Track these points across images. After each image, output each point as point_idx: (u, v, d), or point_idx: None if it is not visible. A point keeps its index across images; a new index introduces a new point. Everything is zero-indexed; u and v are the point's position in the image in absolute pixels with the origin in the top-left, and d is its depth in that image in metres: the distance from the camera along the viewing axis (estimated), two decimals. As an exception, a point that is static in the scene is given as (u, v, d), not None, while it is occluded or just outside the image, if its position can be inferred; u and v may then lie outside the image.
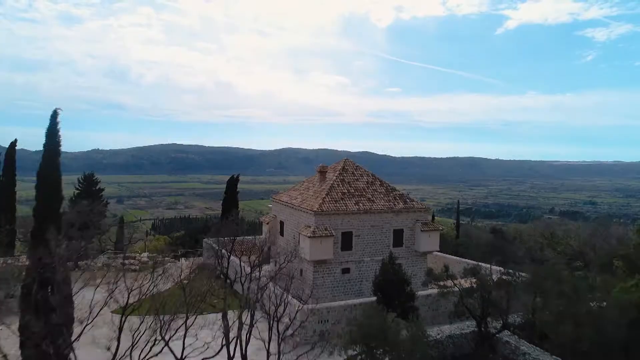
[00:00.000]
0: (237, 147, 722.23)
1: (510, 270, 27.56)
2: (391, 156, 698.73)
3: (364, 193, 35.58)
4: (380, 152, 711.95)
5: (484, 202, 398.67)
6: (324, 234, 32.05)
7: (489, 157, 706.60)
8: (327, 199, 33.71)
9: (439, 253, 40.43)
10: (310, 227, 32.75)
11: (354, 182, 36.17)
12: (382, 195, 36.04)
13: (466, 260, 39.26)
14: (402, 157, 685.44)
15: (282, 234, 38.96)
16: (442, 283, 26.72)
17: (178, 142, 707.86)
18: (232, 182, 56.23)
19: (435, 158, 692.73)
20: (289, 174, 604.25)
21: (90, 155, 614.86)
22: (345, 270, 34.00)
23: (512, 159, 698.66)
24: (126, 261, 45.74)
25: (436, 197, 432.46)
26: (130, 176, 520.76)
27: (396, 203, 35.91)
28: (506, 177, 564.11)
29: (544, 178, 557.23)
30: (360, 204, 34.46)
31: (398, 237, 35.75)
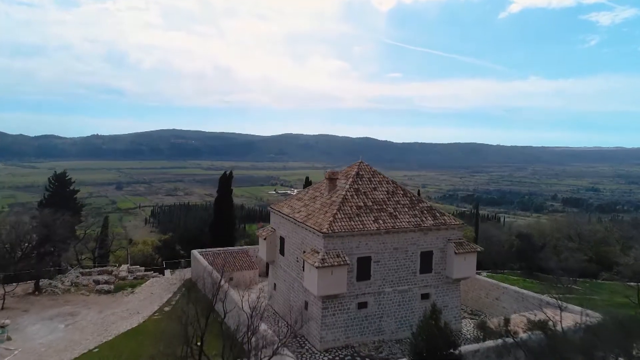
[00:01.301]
0: (237, 133, 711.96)
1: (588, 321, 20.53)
2: (392, 142, 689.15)
3: (384, 206, 28.28)
4: (381, 138, 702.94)
5: (485, 189, 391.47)
6: (335, 263, 24.87)
7: (490, 143, 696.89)
8: (339, 216, 26.44)
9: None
10: (318, 252, 25.55)
11: (371, 191, 28.83)
12: (406, 209, 28.74)
13: (505, 285, 32.15)
14: (403, 143, 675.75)
15: (282, 252, 31.80)
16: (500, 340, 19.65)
17: (177, 128, 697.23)
18: (225, 180, 48.81)
19: (436, 144, 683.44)
20: (289, 159, 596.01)
21: (89, 140, 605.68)
22: (362, 305, 26.92)
23: (513, 145, 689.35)
24: (100, 278, 38.66)
25: (437, 183, 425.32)
26: (130, 162, 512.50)
27: (424, 219, 28.63)
28: (507, 163, 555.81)
29: (545, 164, 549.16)
30: (381, 221, 27.21)
31: (426, 262, 28.58)
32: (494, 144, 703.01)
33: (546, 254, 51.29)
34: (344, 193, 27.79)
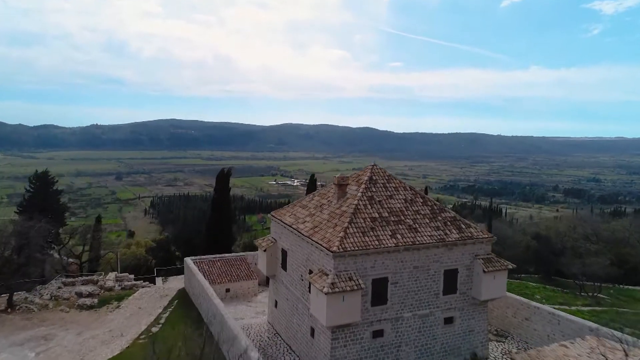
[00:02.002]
0: (237, 123, 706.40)
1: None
2: (393, 132, 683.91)
3: (403, 217, 24.28)
4: (381, 128, 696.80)
5: (486, 179, 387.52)
6: (348, 287, 20.95)
7: (490, 133, 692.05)
8: (351, 230, 22.46)
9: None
10: (326, 274, 21.62)
11: (387, 200, 24.79)
12: (427, 220, 24.74)
13: (537, 305, 28.25)
14: (404, 133, 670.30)
15: (284, 267, 27.90)
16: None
17: (177, 118, 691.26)
18: (223, 178, 44.70)
19: (437, 134, 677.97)
20: (289, 150, 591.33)
21: (89, 130, 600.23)
22: (377, 333, 23.08)
23: (514, 135, 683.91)
24: (84, 290, 34.81)
25: (438, 173, 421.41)
26: (130, 152, 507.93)
27: (448, 231, 24.66)
28: (508, 153, 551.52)
29: (546, 154, 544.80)
30: (399, 236, 23.24)
31: (450, 281, 24.68)
32: (495, 134, 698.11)
33: (568, 258, 47.45)
34: (355, 202, 23.75)
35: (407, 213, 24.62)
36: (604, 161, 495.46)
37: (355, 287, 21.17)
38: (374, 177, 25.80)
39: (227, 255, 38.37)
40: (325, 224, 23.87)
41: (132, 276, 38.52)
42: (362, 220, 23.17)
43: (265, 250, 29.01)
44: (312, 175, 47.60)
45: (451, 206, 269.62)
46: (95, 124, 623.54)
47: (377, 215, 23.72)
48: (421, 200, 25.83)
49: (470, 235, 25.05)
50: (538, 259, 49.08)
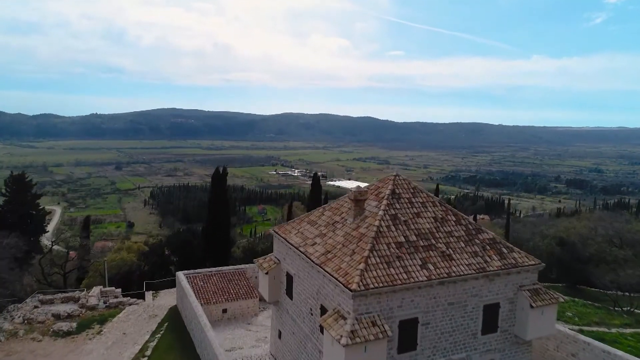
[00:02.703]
0: (237, 112, 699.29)
1: None
2: (393, 121, 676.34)
3: (433, 241, 19.86)
4: (382, 118, 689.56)
5: (488, 170, 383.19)
6: (372, 336, 16.65)
7: (492, 123, 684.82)
8: (374, 260, 18.07)
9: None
10: (344, 317, 17.30)
11: (413, 219, 20.33)
12: (462, 244, 20.33)
13: (587, 339, 23.96)
14: (405, 123, 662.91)
15: (289, 294, 23.58)
16: None
17: (177, 107, 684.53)
18: (219, 179, 40.19)
19: (437, 123, 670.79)
20: (289, 139, 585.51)
21: (89, 119, 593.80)
22: (405, 386, 18.85)
23: (515, 125, 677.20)
24: (62, 310, 30.51)
25: (439, 164, 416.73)
26: (130, 141, 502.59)
27: (488, 257, 20.27)
28: (509, 143, 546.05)
29: (547, 144, 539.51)
30: (431, 266, 18.87)
31: (490, 318, 20.37)
32: (496, 123, 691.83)
33: (597, 266, 43.21)
34: (377, 222, 19.29)
35: (438, 235, 20.15)
36: (606, 151, 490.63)
37: (381, 335, 16.84)
38: (397, 190, 21.14)
39: (224, 268, 34.08)
40: (340, 250, 19.48)
41: (119, 290, 34.18)
42: (385, 247, 18.75)
43: (267, 273, 24.67)
44: (316, 174, 42.96)
45: (454, 197, 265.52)
46: (94, 113, 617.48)
47: (403, 239, 19.27)
48: (454, 219, 21.29)
49: (514, 262, 20.65)
50: (563, 266, 44.83)
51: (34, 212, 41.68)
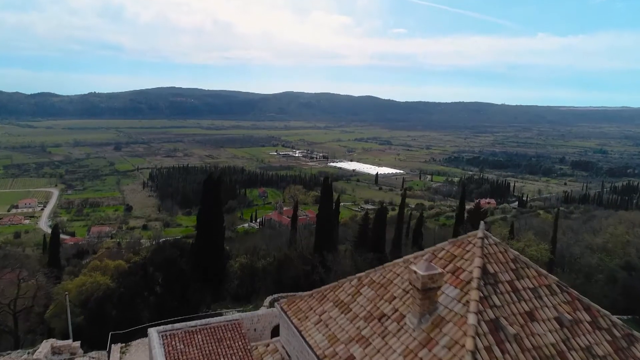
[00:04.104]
0: (237, 91, 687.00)
1: None
2: (395, 101, 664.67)
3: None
4: (384, 97, 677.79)
5: (491, 150, 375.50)
6: None
7: (494, 102, 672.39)
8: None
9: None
10: None
11: (526, 326, 10.71)
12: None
13: None
14: (407, 102, 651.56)
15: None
16: None
17: (177, 86, 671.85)
18: (211, 186, 33.04)
19: (440, 103, 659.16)
20: (290, 119, 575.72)
21: (87, 98, 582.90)
22: None
23: (518, 104, 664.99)
24: None
25: (442, 144, 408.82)
26: (129, 121, 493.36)
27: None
28: (512, 123, 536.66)
29: (551, 124, 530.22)
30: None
31: None
32: (499, 103, 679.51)
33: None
34: (470, 345, 9.69)
35: (569, 355, 10.63)
36: (610, 131, 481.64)
37: None
38: (491, 268, 11.60)
39: (212, 321, 25.09)
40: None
41: (77, 344, 25.41)
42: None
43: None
44: (327, 179, 35.77)
45: (458, 179, 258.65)
46: (93, 92, 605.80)
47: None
48: (588, 318, 11.65)
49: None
50: (628, 294, 34.70)
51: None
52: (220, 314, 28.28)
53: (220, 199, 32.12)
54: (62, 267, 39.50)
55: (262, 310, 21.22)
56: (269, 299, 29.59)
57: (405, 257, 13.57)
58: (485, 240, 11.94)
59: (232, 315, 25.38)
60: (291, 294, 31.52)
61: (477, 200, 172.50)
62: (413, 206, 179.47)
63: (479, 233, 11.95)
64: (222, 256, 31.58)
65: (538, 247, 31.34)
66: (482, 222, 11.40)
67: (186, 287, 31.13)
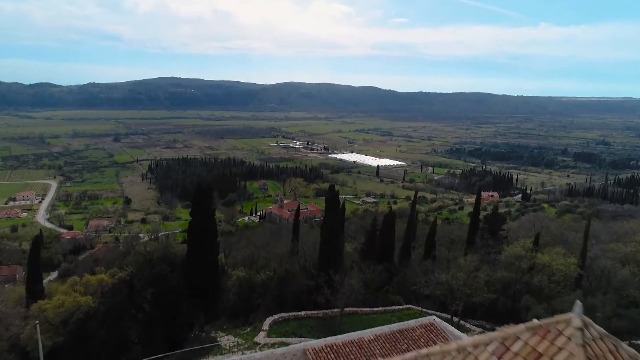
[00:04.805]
0: (237, 81, 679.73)
1: None
2: (396, 91, 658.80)
3: None
4: (384, 87, 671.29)
5: (493, 142, 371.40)
6: None
7: (496, 93, 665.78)
8: None
9: None
10: None
11: None
12: None
13: None
14: (407, 93, 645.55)
15: None
16: None
17: (176, 76, 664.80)
18: (202, 197, 29.30)
19: (441, 93, 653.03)
20: (290, 109, 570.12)
21: (86, 89, 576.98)
22: None
23: (519, 95, 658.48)
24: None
25: (443, 135, 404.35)
26: (128, 111, 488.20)
27: None
28: (514, 114, 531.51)
29: (552, 115, 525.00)
30: None
31: None
32: (500, 93, 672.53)
33: None
34: None
35: None
36: (612, 122, 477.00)
37: None
38: None
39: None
40: None
41: None
42: None
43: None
44: (332, 187, 32.21)
45: (460, 172, 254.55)
46: (92, 82, 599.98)
47: None
48: None
49: None
50: None
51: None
52: (215, 340, 25.04)
53: (212, 210, 28.43)
54: (42, 285, 35.90)
55: (267, 354, 17.80)
56: (269, 320, 26.40)
57: (459, 344, 9.04)
58: (586, 333, 7.31)
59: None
60: (294, 313, 28.33)
61: (489, 200, 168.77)
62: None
63: (575, 320, 7.21)
64: (217, 273, 28.22)
65: (566, 261, 28.06)
66: (577, 302, 7.19)
67: (178, 304, 27.93)
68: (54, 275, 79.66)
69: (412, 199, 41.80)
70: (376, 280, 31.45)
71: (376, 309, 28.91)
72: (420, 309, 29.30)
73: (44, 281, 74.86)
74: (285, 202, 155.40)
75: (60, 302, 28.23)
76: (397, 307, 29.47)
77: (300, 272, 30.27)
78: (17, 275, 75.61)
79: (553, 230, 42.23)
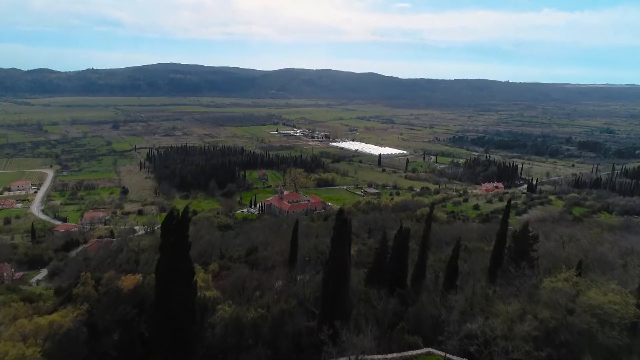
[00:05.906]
0: (238, 67, 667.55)
1: None
2: (398, 78, 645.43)
3: None
4: (386, 74, 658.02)
5: (495, 130, 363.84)
6: None
7: (498, 80, 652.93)
8: None
9: None
10: None
11: None
12: None
13: None
14: (409, 79, 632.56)
15: None
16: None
17: (176, 62, 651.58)
18: (174, 228, 22.30)
19: (443, 80, 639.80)
20: (290, 96, 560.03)
21: (85, 75, 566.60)
22: None
23: (522, 82, 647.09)
24: None
25: (445, 123, 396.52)
26: (127, 98, 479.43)
27: None
28: (516, 101, 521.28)
29: (555, 102, 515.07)
30: None
31: None
32: (502, 80, 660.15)
33: None
34: None
35: None
36: (616, 110, 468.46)
37: None
38: None
39: None
40: None
41: None
42: None
43: None
44: (342, 211, 26.49)
45: (463, 161, 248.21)
46: (91, 68, 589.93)
47: None
48: None
49: None
50: None
51: None
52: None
53: (187, 245, 21.90)
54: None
55: None
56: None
57: None
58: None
59: None
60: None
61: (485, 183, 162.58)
62: (418, 190, 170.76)
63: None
64: (194, 321, 22.57)
65: (624, 298, 22.59)
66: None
67: (147, 357, 22.64)
68: (43, 273, 74.54)
69: (428, 211, 36.13)
70: (389, 315, 26.23)
71: (390, 355, 23.73)
72: (443, 354, 24.15)
73: (33, 279, 69.78)
74: (285, 193, 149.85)
75: (3, 352, 22.96)
76: (414, 353, 24.31)
77: (298, 308, 24.98)
78: (5, 274, 70.41)
79: (584, 244, 36.69)
